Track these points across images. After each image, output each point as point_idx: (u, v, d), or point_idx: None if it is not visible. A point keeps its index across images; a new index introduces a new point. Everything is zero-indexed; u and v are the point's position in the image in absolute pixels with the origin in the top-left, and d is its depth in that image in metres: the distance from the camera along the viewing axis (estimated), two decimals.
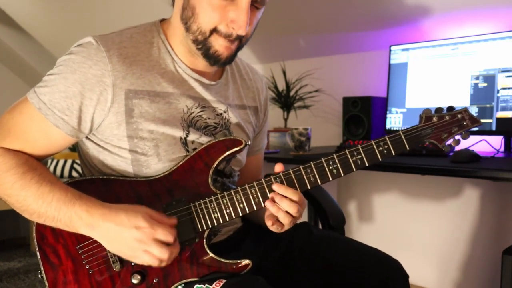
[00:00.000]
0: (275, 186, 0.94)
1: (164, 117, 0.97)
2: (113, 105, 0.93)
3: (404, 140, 0.96)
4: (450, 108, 0.99)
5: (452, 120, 0.98)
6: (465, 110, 0.99)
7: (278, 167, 0.97)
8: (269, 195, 0.94)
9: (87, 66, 0.92)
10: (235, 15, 0.91)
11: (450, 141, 0.98)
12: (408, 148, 0.96)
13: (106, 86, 0.92)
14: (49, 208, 0.88)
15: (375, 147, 0.95)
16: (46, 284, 0.91)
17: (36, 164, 0.93)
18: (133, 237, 0.86)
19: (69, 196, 0.88)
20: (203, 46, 0.96)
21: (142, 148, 0.96)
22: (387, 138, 0.96)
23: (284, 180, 0.95)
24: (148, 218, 0.87)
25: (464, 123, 0.98)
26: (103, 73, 0.92)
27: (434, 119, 0.98)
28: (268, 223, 0.95)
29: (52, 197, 0.88)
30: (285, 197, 0.93)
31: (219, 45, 0.95)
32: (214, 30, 0.94)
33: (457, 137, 0.99)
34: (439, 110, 0.99)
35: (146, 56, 0.98)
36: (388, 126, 2.05)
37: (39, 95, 0.92)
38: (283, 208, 0.93)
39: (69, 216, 0.87)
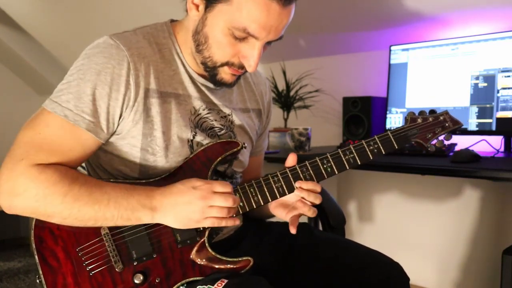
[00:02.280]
0: (298, 183, 0.98)
1: (176, 117, 0.98)
2: (134, 104, 0.93)
3: (393, 140, 1.01)
4: (433, 111, 1.06)
5: (435, 122, 1.04)
6: (446, 112, 1.06)
7: (292, 159, 1.00)
8: (296, 194, 0.98)
9: (111, 66, 0.91)
10: (248, 54, 0.94)
11: (434, 141, 1.04)
12: (396, 147, 1.01)
13: (129, 85, 0.92)
14: (107, 209, 0.88)
15: (365, 146, 1.00)
16: None
17: (76, 173, 0.91)
18: (195, 197, 0.88)
19: (123, 191, 0.89)
20: (210, 71, 0.98)
21: (153, 148, 0.96)
22: (376, 138, 1.01)
23: (281, 179, 0.97)
24: (199, 178, 0.92)
25: (446, 124, 1.04)
26: (127, 72, 0.92)
27: (419, 120, 1.04)
28: (288, 216, 1.01)
29: (108, 198, 0.88)
30: (311, 191, 0.98)
31: (226, 73, 0.98)
32: (226, 63, 0.96)
33: (441, 137, 1.04)
34: (422, 112, 1.06)
35: (159, 57, 0.98)
36: (388, 126, 2.05)
37: (62, 103, 0.89)
38: (311, 201, 0.98)
39: (131, 208, 0.88)
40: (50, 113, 0.90)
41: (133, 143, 0.96)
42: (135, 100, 0.93)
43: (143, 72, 0.94)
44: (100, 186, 0.89)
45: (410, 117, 1.04)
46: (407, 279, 1.10)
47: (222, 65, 0.96)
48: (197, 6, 0.94)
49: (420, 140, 1.03)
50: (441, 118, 1.04)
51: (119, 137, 0.96)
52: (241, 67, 0.96)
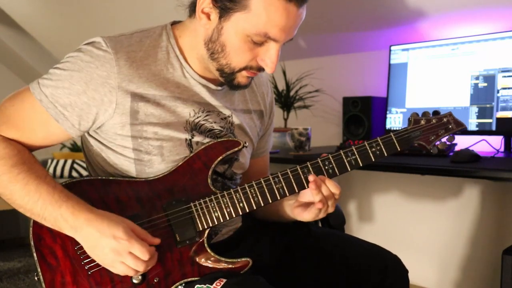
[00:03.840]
0: (311, 177, 0.95)
1: (169, 120, 0.97)
2: (118, 106, 0.93)
3: (395, 142, 1.00)
4: (436, 112, 1.05)
5: (439, 123, 1.03)
6: (450, 114, 1.05)
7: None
8: (309, 186, 0.95)
9: (94, 66, 0.92)
10: (266, 57, 0.94)
11: (437, 143, 1.03)
12: (399, 149, 1.00)
13: (111, 88, 0.92)
14: (35, 206, 0.88)
15: (368, 148, 0.99)
16: (43, 285, 0.90)
17: (26, 158, 0.92)
18: (110, 247, 0.86)
19: (56, 198, 0.88)
20: (227, 77, 0.98)
21: (146, 147, 0.96)
22: (379, 140, 1.00)
23: (282, 180, 0.97)
24: (128, 231, 0.87)
25: (450, 126, 1.03)
26: (109, 74, 0.92)
27: (422, 122, 1.03)
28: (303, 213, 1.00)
29: (39, 196, 0.88)
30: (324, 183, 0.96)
31: (243, 77, 0.98)
32: (244, 68, 0.96)
33: (444, 139, 1.03)
34: (426, 114, 1.04)
35: (154, 60, 0.98)
36: (388, 126, 2.05)
37: (41, 87, 0.92)
38: (325, 192, 0.96)
39: (54, 217, 0.88)
40: (30, 92, 0.93)
41: (124, 144, 0.96)
42: (117, 103, 0.93)
43: (130, 76, 0.94)
44: (39, 182, 0.89)
45: (414, 119, 1.03)
46: (406, 270, 1.11)
47: (240, 70, 0.96)
48: (208, 15, 0.94)
49: (423, 142, 1.02)
50: (445, 119, 1.03)
51: (110, 138, 0.97)
52: (259, 69, 0.97)
